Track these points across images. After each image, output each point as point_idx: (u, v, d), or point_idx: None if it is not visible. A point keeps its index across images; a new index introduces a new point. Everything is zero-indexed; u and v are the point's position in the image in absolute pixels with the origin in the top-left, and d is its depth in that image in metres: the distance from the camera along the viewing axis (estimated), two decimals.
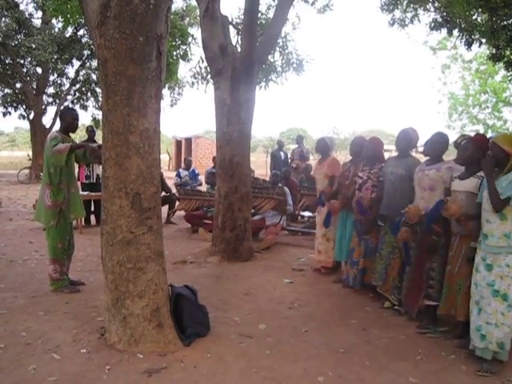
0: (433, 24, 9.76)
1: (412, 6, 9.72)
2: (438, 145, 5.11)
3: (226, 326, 4.89)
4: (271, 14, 9.46)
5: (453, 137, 5.35)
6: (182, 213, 11.14)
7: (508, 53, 9.89)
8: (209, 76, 9.64)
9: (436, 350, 4.51)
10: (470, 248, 4.46)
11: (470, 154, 4.61)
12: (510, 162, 4.08)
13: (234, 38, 9.28)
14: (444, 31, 9.94)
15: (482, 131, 23.67)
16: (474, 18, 9.51)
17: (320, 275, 6.96)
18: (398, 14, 10.00)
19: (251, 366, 4.03)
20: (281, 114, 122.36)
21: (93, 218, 10.77)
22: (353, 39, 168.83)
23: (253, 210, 9.01)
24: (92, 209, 10.61)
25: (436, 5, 9.62)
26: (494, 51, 10.05)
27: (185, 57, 11.69)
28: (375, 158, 6.02)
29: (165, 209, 11.09)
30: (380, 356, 4.34)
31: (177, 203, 11.27)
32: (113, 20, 3.85)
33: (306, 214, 11.39)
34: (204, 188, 11.87)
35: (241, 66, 7.50)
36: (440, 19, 9.62)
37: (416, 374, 4.00)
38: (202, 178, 12.65)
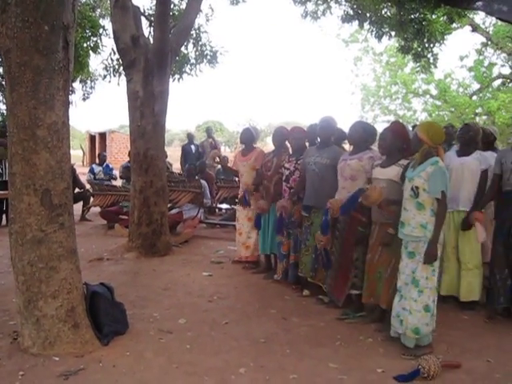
0: (344, 17, 9.95)
1: None
2: (359, 133, 5.14)
3: (145, 322, 4.80)
4: (184, 5, 9.34)
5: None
6: (98, 209, 10.83)
7: (416, 45, 10.22)
8: (121, 68, 9.38)
9: (354, 334, 4.62)
10: (386, 233, 4.56)
11: (389, 142, 4.73)
12: (421, 149, 4.22)
13: (147, 29, 9.09)
14: (355, 24, 10.15)
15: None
16: (383, 11, 9.75)
17: (239, 267, 6.94)
18: (310, 6, 10.12)
19: (172, 362, 3.97)
20: (197, 106, 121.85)
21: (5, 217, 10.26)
22: (267, 31, 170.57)
23: (170, 204, 8.90)
24: (4, 208, 10.09)
25: None
26: (402, 43, 10.37)
27: (95, 49, 11.31)
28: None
29: (79, 206, 10.81)
30: (300, 344, 4.40)
31: (91, 199, 10.95)
32: (14, 7, 3.65)
33: (224, 206, 11.40)
34: (119, 183, 11.62)
35: (154, 57, 7.36)
36: (351, 12, 9.82)
37: (336, 359, 4.08)
38: (116, 172, 12.37)
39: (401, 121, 22.40)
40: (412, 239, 4.21)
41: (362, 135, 5.13)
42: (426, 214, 4.16)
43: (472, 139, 5.27)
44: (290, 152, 6.32)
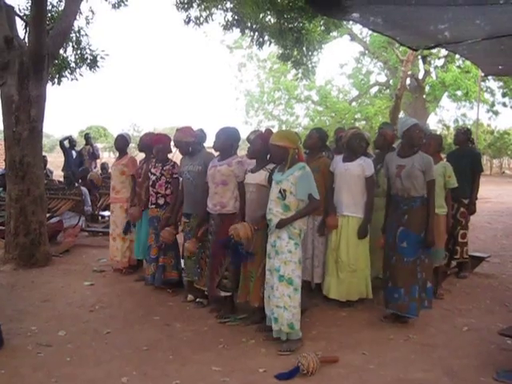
0: (226, 24, 10.07)
1: (205, 4, 9.91)
2: (222, 139, 5.21)
3: (22, 337, 4.61)
4: (63, 7, 9.04)
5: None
6: None
7: (295, 53, 10.55)
8: None
9: (237, 337, 4.71)
10: (264, 238, 4.69)
11: (258, 148, 4.93)
12: (289, 155, 4.43)
13: (22, 30, 8.71)
14: (237, 31, 10.30)
15: (276, 126, 25.09)
16: (264, 19, 9.98)
17: (121, 275, 6.83)
18: (193, 12, 10.13)
19: (51, 376, 3.85)
20: (80, 111, 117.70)
21: None
22: (152, 35, 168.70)
23: (49, 213, 8.57)
24: None
25: (228, 5, 9.93)
26: (282, 51, 10.67)
27: None
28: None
29: None
30: (184, 349, 4.42)
31: None
32: None
33: (106, 213, 11.10)
34: None
35: (29, 60, 7.05)
36: (232, 19, 9.96)
37: (219, 362, 4.14)
38: None
39: (284, 126, 23.02)
40: (281, 239, 4.41)
41: (226, 142, 5.21)
42: (291, 214, 4.38)
43: (358, 146, 5.48)
44: None
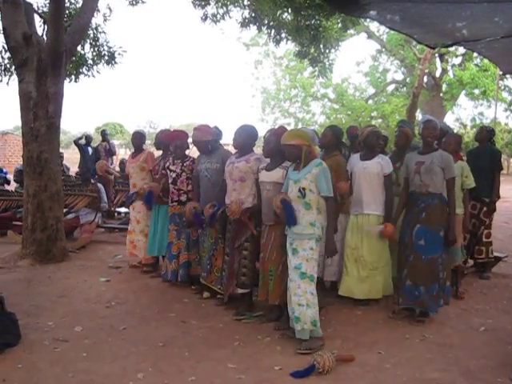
0: (243, 21, 10.07)
1: (222, 1, 9.92)
2: (242, 137, 5.24)
3: (39, 332, 4.63)
4: (80, 4, 9.08)
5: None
6: None
7: (312, 50, 10.52)
8: (13, 67, 8.98)
9: (252, 334, 4.71)
10: (282, 235, 4.66)
11: (272, 146, 4.90)
12: (303, 152, 4.42)
13: (41, 27, 8.76)
14: (254, 28, 10.30)
15: (292, 124, 25.07)
16: (281, 16, 9.97)
17: (137, 271, 6.85)
18: (210, 9, 10.14)
19: (67, 371, 3.87)
20: (97, 108, 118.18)
21: None
22: (168, 32, 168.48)
23: (65, 209, 8.64)
24: None
25: (245, 2, 9.93)
26: (299, 48, 10.64)
27: None
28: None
29: None
30: (199, 346, 4.42)
31: None
32: None
33: (122, 210, 11.18)
34: (13, 187, 11.12)
35: (47, 57, 7.10)
36: (249, 16, 9.95)
37: (234, 360, 4.15)
38: (10, 176, 11.84)
39: (300, 123, 22.98)
40: (302, 237, 4.40)
41: (246, 139, 5.24)
42: (314, 212, 4.40)
43: (376, 144, 5.49)
44: None
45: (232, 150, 5.79)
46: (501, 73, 12.65)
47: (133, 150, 7.37)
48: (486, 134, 6.94)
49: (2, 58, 9.77)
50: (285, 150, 4.57)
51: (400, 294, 5.21)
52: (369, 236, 5.36)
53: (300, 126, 23.82)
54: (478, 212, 6.58)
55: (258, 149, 5.49)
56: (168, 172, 6.19)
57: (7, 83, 9.07)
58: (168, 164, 6.21)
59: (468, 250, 6.45)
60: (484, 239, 6.70)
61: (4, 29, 7.23)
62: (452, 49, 18.81)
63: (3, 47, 9.14)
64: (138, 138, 7.10)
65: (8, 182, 11.82)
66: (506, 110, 23.31)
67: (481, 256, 6.72)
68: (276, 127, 5.35)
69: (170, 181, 6.15)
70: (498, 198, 6.82)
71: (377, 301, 5.53)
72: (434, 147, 5.12)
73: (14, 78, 7.97)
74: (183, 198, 6.05)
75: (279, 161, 4.85)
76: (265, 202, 4.90)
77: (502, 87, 21.76)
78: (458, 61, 21.82)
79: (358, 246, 5.40)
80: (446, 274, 5.13)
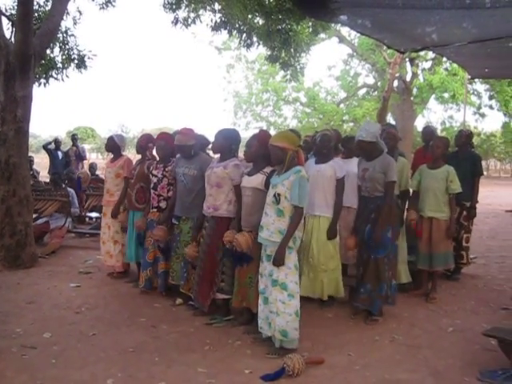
0: (213, 25, 10.06)
1: (193, 6, 9.90)
2: (219, 141, 5.18)
3: (7, 339, 4.58)
4: (49, 7, 8.99)
5: (241, 134, 5.51)
6: None
7: (283, 54, 10.57)
8: None
9: (223, 338, 4.71)
10: (260, 244, 4.61)
11: (254, 150, 4.86)
12: (287, 157, 4.37)
13: (8, 30, 8.65)
14: (225, 32, 10.29)
15: (264, 128, 25.09)
16: (252, 20, 9.99)
17: (108, 277, 6.79)
18: (181, 13, 10.11)
19: (35, 379, 3.84)
20: (68, 112, 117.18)
21: None
22: (140, 37, 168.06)
23: (35, 214, 8.52)
24: None
25: (216, 6, 9.92)
26: (270, 53, 10.68)
27: None
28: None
29: None
30: (170, 351, 4.42)
31: None
32: None
33: (93, 214, 11.06)
34: None
35: (15, 60, 7.01)
36: (220, 21, 9.95)
37: (204, 364, 4.15)
38: None
39: (272, 127, 23.00)
40: (270, 244, 4.37)
41: (224, 143, 5.15)
42: (285, 220, 4.32)
43: (328, 147, 5.55)
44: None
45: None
46: (469, 77, 12.84)
47: (107, 154, 7.29)
48: (465, 139, 6.97)
49: None
50: (270, 150, 4.48)
51: (357, 293, 5.31)
52: (319, 239, 5.41)
53: (272, 130, 23.86)
54: (458, 216, 6.60)
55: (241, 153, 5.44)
56: (150, 176, 6.06)
57: None
58: (151, 168, 6.08)
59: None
60: (464, 243, 6.77)
61: None
62: (422, 53, 19.03)
63: None
64: (111, 143, 6.86)
65: None
66: (474, 113, 23.63)
67: (462, 261, 6.80)
68: (257, 131, 5.29)
69: (151, 185, 6.02)
70: (476, 202, 6.88)
71: (346, 302, 5.63)
72: (376, 153, 5.19)
73: None
74: (163, 204, 5.90)
75: (261, 166, 4.80)
76: (244, 207, 4.86)
77: (471, 91, 22.09)
78: (427, 65, 22.06)
79: (308, 246, 5.45)
80: (392, 273, 5.22)
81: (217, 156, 5.38)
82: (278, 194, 4.31)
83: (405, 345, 4.64)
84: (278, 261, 4.25)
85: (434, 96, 21.67)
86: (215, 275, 5.11)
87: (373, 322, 5.15)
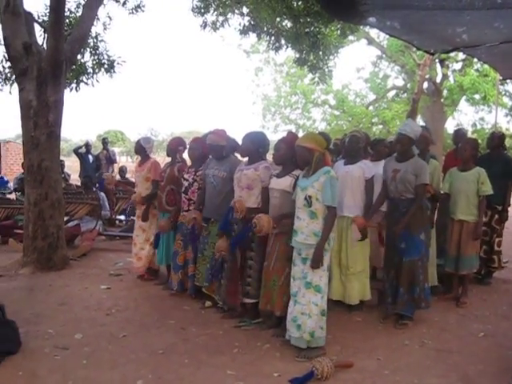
0: (242, 28, 10.11)
1: (221, 9, 9.96)
2: (246, 145, 5.23)
3: (40, 339, 4.65)
4: (80, 13, 9.13)
5: (269, 136, 5.53)
6: None
7: (312, 57, 10.56)
8: (14, 76, 9.02)
9: (252, 341, 4.71)
10: (287, 245, 4.64)
11: (282, 153, 4.88)
12: (314, 158, 4.38)
13: (41, 36, 8.82)
14: (254, 35, 10.33)
15: (293, 131, 25.04)
16: (280, 23, 10.01)
17: (138, 279, 6.85)
18: (209, 17, 10.18)
19: (67, 379, 3.89)
20: (98, 116, 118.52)
21: None
22: (169, 40, 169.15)
23: (67, 217, 8.65)
24: None
25: (244, 10, 9.97)
26: (298, 55, 10.68)
27: None
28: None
29: None
30: (199, 353, 4.43)
31: None
32: None
33: (123, 217, 11.21)
34: (14, 196, 11.16)
35: (47, 66, 7.13)
36: (248, 24, 9.99)
37: (233, 366, 4.16)
38: (11, 185, 11.90)
39: (301, 130, 22.93)
40: (305, 247, 4.36)
41: (251, 147, 5.19)
42: (319, 222, 4.33)
43: (357, 149, 5.53)
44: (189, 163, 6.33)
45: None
46: (501, 78, 12.65)
47: (136, 157, 7.36)
48: (497, 141, 6.87)
49: (3, 67, 9.81)
50: (297, 151, 4.51)
51: (388, 296, 5.29)
52: (349, 241, 5.38)
53: (301, 132, 23.81)
54: (489, 219, 6.53)
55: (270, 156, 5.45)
56: (182, 180, 6.11)
57: (10, 92, 9.11)
58: (183, 172, 6.13)
59: (481, 259, 6.34)
60: (496, 248, 6.68)
61: (4, 38, 7.28)
62: (452, 54, 18.78)
63: (4, 57, 9.19)
64: (138, 146, 6.95)
65: (10, 192, 11.87)
66: (506, 115, 23.25)
67: (494, 265, 6.71)
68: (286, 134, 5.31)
69: (182, 189, 6.08)
70: (509, 205, 6.78)
71: (374, 306, 5.61)
72: (409, 154, 5.18)
73: (16, 86, 8.00)
74: (192, 208, 5.93)
75: (290, 168, 4.82)
76: (272, 208, 4.88)
77: (503, 92, 21.75)
78: (458, 66, 21.79)
79: (337, 248, 5.43)
80: (425, 276, 5.17)
81: (245, 159, 5.40)
82: (310, 197, 4.31)
83: (435, 350, 4.59)
84: (317, 263, 4.26)
85: (464, 97, 21.39)
86: (241, 279, 5.14)
87: (402, 326, 5.11)
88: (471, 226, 5.77)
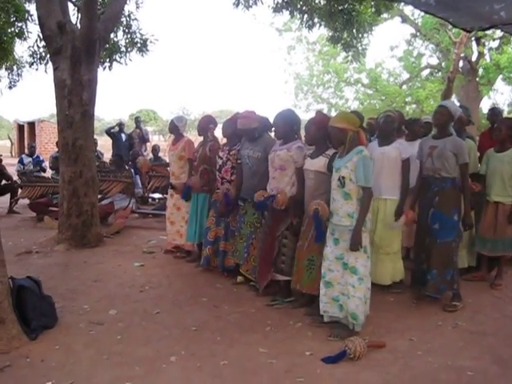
0: (275, 6, 10.00)
1: None
2: (278, 125, 5.17)
3: (75, 315, 4.74)
4: None
5: (301, 115, 5.48)
6: (26, 201, 10.52)
7: (345, 35, 10.41)
8: (48, 56, 9.10)
9: (284, 319, 4.72)
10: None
11: (312, 134, 4.83)
12: (348, 138, 4.33)
13: (74, 15, 8.88)
14: (286, 13, 10.22)
15: (326, 110, 24.85)
16: (313, 1, 9.86)
17: (171, 256, 6.92)
18: None
19: (102, 353, 3.96)
20: (130, 95, 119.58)
21: None
22: (201, 19, 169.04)
23: (100, 195, 8.76)
24: None
25: None
26: (332, 33, 10.54)
27: (21, 35, 10.89)
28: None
29: (6, 198, 10.51)
30: (231, 330, 4.46)
31: (19, 191, 10.62)
32: None
33: (156, 195, 11.30)
34: (49, 174, 11.34)
35: (81, 44, 7.18)
36: (281, 1, 9.88)
37: (265, 344, 4.18)
38: (47, 163, 12.09)
39: (333, 109, 22.68)
40: (340, 228, 4.33)
41: (284, 127, 5.13)
42: (353, 203, 4.27)
43: (391, 129, 5.44)
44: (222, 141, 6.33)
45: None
46: None
47: (168, 136, 7.38)
48: None
49: (38, 46, 9.93)
50: (330, 132, 4.45)
51: (414, 280, 5.29)
52: (385, 222, 5.31)
53: (333, 111, 23.61)
54: None
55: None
56: (217, 158, 6.12)
57: (45, 71, 9.21)
58: (218, 151, 6.14)
59: None
60: None
61: (39, 18, 7.33)
62: (489, 32, 18.32)
63: (38, 36, 9.28)
64: (172, 125, 6.96)
65: (44, 169, 12.05)
66: None
67: None
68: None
69: (217, 167, 6.10)
70: None
71: (405, 286, 5.55)
72: (447, 132, 5.09)
73: (50, 66, 8.08)
74: (226, 186, 5.90)
75: (323, 148, 4.77)
76: (307, 190, 4.84)
77: None
78: (495, 44, 21.26)
79: (372, 229, 5.34)
80: (456, 258, 5.11)
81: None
82: (343, 177, 4.26)
83: (468, 331, 4.53)
84: (355, 245, 4.20)
85: (501, 76, 20.93)
86: (275, 257, 5.14)
87: (452, 308, 5.03)
88: (507, 207, 5.66)
